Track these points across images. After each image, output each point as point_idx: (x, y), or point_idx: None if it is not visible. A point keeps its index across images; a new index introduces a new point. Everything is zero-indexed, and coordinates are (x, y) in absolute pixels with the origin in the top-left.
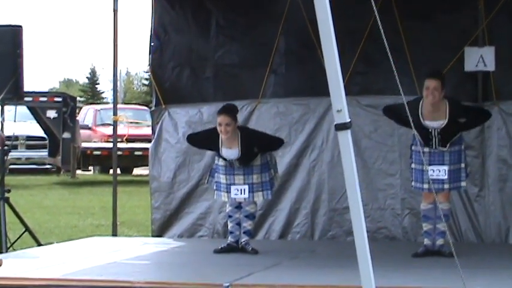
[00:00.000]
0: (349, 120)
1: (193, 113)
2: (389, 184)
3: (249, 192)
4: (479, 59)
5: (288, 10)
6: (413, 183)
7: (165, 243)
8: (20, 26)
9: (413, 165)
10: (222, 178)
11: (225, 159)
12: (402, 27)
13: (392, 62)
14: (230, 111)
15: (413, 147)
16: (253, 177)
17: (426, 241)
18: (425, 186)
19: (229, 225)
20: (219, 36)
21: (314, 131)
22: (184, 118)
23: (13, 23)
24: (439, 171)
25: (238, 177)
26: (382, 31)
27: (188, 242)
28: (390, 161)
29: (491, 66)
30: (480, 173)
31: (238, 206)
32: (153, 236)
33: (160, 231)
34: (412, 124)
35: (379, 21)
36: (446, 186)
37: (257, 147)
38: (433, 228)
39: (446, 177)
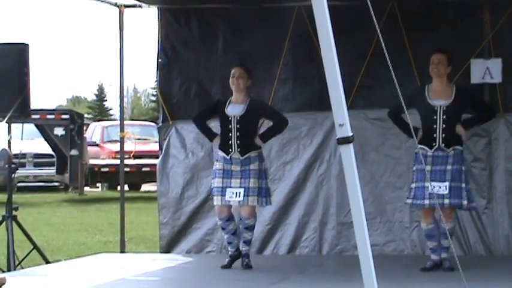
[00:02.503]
0: (351, 134)
1: None
2: (398, 197)
3: (244, 195)
4: (486, 71)
5: (293, 25)
6: (412, 201)
7: (173, 259)
8: (27, 44)
9: (413, 185)
10: (218, 182)
11: (223, 157)
12: (408, 40)
13: (394, 76)
14: (245, 66)
15: (414, 168)
16: (250, 181)
17: (433, 256)
18: (426, 202)
19: (225, 237)
20: (226, 52)
21: (322, 145)
22: (192, 134)
23: (20, 41)
24: (440, 187)
25: (235, 180)
26: (383, 46)
27: (196, 258)
28: (398, 174)
29: (497, 78)
30: (488, 185)
31: (229, 219)
32: (161, 252)
33: (168, 247)
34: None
35: (381, 37)
36: (446, 201)
37: (262, 113)
38: (438, 244)
39: (447, 192)
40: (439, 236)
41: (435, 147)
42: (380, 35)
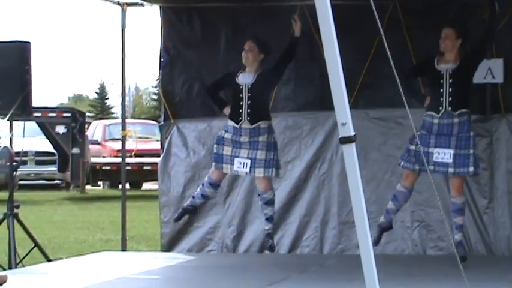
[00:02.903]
0: (353, 133)
1: (203, 127)
2: None
3: (250, 167)
4: (488, 71)
5: None
6: (402, 163)
7: (174, 258)
8: (28, 42)
9: (412, 147)
10: (227, 150)
11: (232, 127)
12: (410, 39)
13: (396, 76)
14: (257, 39)
15: (418, 132)
16: (257, 152)
17: (381, 219)
18: (416, 167)
19: (198, 191)
20: (228, 51)
21: (323, 145)
22: (194, 133)
23: (22, 39)
24: (444, 154)
25: (244, 150)
26: (386, 45)
27: (197, 257)
28: (399, 173)
29: (499, 78)
30: (489, 186)
31: (218, 185)
32: (162, 250)
33: (169, 246)
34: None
35: (383, 37)
36: (451, 170)
37: (271, 67)
38: (395, 209)
39: (451, 160)
40: (403, 204)
41: (442, 111)
42: (383, 34)
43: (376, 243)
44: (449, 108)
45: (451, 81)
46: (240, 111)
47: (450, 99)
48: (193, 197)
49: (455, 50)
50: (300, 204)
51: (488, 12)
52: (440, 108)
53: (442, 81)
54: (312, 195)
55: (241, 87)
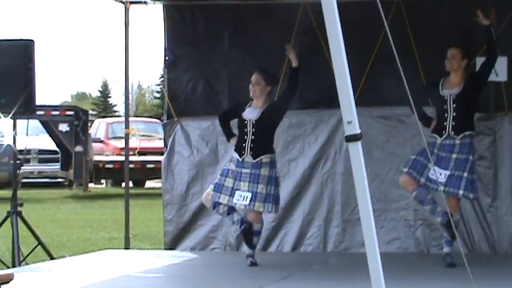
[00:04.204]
0: (359, 131)
1: (206, 125)
2: (402, 195)
3: (250, 200)
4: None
5: (299, 22)
6: (409, 170)
7: (177, 256)
8: (32, 40)
9: (412, 157)
10: (228, 182)
11: (236, 159)
12: (414, 38)
13: (402, 74)
14: (264, 72)
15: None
16: (258, 186)
17: (439, 220)
18: (422, 180)
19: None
20: (232, 49)
21: (327, 143)
22: (197, 131)
23: (25, 37)
24: (440, 174)
25: (244, 183)
26: (392, 42)
27: (201, 255)
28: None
29: (503, 77)
30: (493, 184)
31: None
32: (165, 248)
33: (172, 244)
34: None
35: (389, 34)
36: (441, 187)
37: (277, 107)
38: (435, 205)
39: (444, 180)
40: (428, 197)
41: (445, 135)
42: (388, 32)
43: (454, 237)
44: (452, 133)
45: (454, 106)
46: (244, 145)
47: (453, 123)
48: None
49: (461, 71)
50: (304, 202)
51: (487, 44)
52: (444, 132)
53: (445, 106)
54: (315, 193)
55: (246, 122)
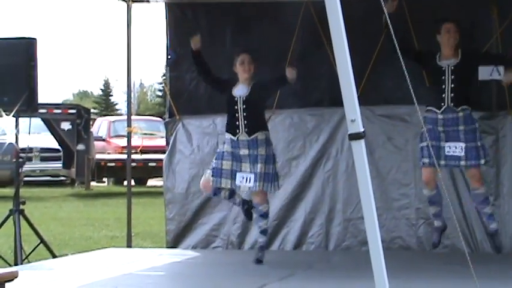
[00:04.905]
0: (363, 129)
1: (207, 124)
2: (404, 194)
3: (254, 181)
4: (494, 67)
5: (301, 21)
6: (429, 160)
7: (179, 255)
8: (34, 39)
9: (423, 144)
10: (226, 164)
11: (230, 139)
12: (416, 35)
13: (406, 72)
14: (248, 51)
15: (423, 129)
16: (259, 166)
17: (437, 223)
18: (442, 162)
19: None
20: (234, 48)
21: (328, 141)
22: (199, 129)
23: (27, 36)
24: (456, 148)
25: (245, 164)
26: (395, 41)
27: (202, 253)
28: (404, 170)
29: None
30: (495, 183)
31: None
32: (167, 247)
33: (174, 243)
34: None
35: (391, 29)
36: (462, 162)
37: (266, 82)
38: (441, 210)
39: (463, 153)
40: (442, 202)
41: (444, 107)
42: (391, 29)
43: (436, 246)
44: (452, 104)
45: (452, 77)
46: (237, 123)
47: (452, 95)
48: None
49: (456, 45)
50: (305, 201)
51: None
52: (442, 104)
53: (443, 77)
54: (317, 192)
55: (236, 99)
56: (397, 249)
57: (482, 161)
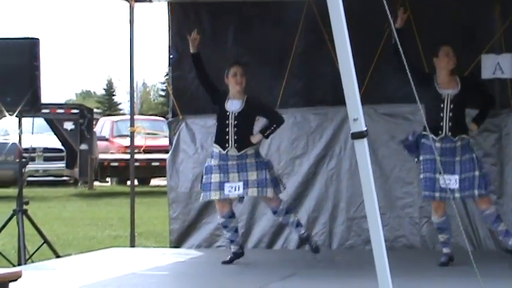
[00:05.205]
0: (365, 128)
1: (211, 123)
2: (407, 192)
3: (243, 188)
4: (496, 66)
5: (303, 20)
6: (423, 193)
7: (183, 254)
8: (37, 39)
9: (421, 175)
10: (214, 177)
11: (218, 153)
12: (418, 34)
13: (408, 70)
14: (241, 63)
15: (421, 157)
16: (248, 174)
17: (446, 250)
18: (437, 194)
19: (228, 235)
20: (236, 47)
21: (332, 140)
22: (202, 129)
23: (30, 36)
24: (450, 180)
25: (233, 175)
26: (397, 40)
27: (206, 253)
28: (407, 169)
29: (508, 74)
30: (498, 181)
31: (231, 216)
32: (171, 246)
33: (178, 242)
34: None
35: (394, 29)
36: (457, 195)
37: (259, 109)
38: (450, 237)
39: (457, 186)
40: (450, 229)
41: (441, 136)
42: (393, 28)
43: (443, 265)
44: (449, 134)
45: (451, 106)
46: (227, 137)
47: (450, 124)
48: (232, 241)
49: (452, 70)
50: (308, 200)
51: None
52: (440, 132)
53: (442, 105)
54: (320, 191)
55: (228, 114)
56: (400, 248)
57: (476, 192)
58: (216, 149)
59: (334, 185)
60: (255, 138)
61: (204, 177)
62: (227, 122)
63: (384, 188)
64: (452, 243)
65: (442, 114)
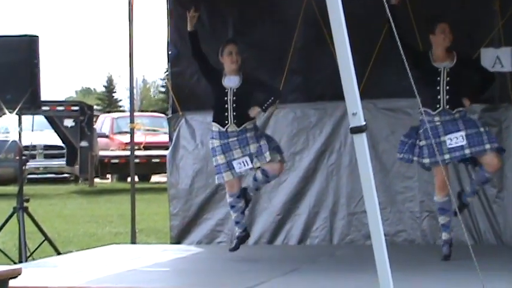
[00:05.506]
0: (364, 123)
1: (211, 119)
2: (408, 187)
3: (251, 161)
4: (496, 59)
5: (303, 14)
6: (430, 160)
7: (184, 250)
8: (37, 36)
9: (422, 143)
10: (220, 158)
11: (218, 132)
12: (417, 28)
13: (407, 65)
14: (235, 41)
15: (421, 130)
16: (250, 147)
17: (445, 235)
18: (447, 156)
19: (234, 215)
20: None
21: (332, 135)
22: (202, 125)
23: (30, 33)
24: (457, 138)
25: (236, 151)
26: (396, 36)
27: (207, 249)
28: (408, 163)
29: (508, 67)
30: (499, 175)
31: (240, 195)
32: (171, 243)
33: (179, 238)
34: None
35: (393, 25)
36: (467, 151)
37: (256, 83)
38: (450, 220)
39: (465, 142)
40: (451, 212)
41: (439, 109)
42: (392, 23)
43: (448, 258)
44: (447, 107)
45: (448, 79)
46: (226, 114)
47: (448, 97)
48: (237, 222)
49: (449, 45)
50: (309, 195)
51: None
52: (438, 105)
53: (438, 78)
54: (320, 186)
55: (226, 90)
56: (401, 243)
57: (487, 146)
58: (216, 127)
59: (334, 180)
60: (253, 112)
61: (213, 159)
62: (226, 98)
63: (384, 182)
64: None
65: (438, 88)
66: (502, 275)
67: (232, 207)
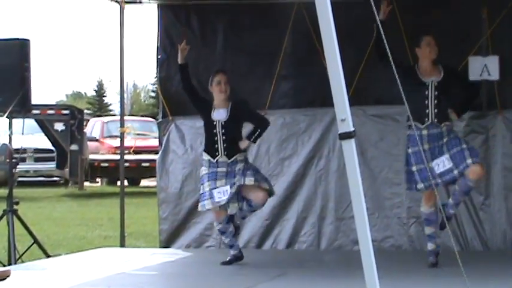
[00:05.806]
0: (353, 129)
1: (200, 124)
2: (395, 193)
3: (231, 189)
4: (483, 68)
5: (293, 22)
6: (424, 184)
7: (172, 254)
8: (28, 40)
9: (413, 168)
10: (206, 186)
11: (208, 161)
12: (406, 37)
13: (395, 72)
14: (224, 71)
15: (409, 150)
16: (235, 178)
17: (430, 246)
18: (439, 180)
19: (226, 240)
20: (225, 49)
21: (320, 141)
22: (192, 130)
23: (21, 36)
24: (444, 162)
25: (220, 180)
26: (385, 42)
27: (195, 253)
28: (396, 170)
29: (495, 76)
30: (485, 182)
31: (228, 221)
32: (161, 246)
33: (168, 242)
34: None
35: (382, 33)
36: (455, 172)
37: (245, 115)
38: (436, 231)
39: (451, 164)
40: (437, 223)
41: (427, 123)
42: (381, 30)
43: (435, 265)
44: (435, 120)
45: (436, 93)
46: (216, 146)
47: (436, 111)
48: (231, 246)
49: (435, 58)
50: (298, 200)
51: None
52: (426, 119)
53: (426, 92)
54: (309, 191)
55: (215, 123)
56: (388, 248)
57: (469, 161)
58: (206, 157)
59: (322, 186)
60: (243, 144)
61: (201, 187)
62: (215, 131)
63: (372, 188)
64: (439, 244)
65: (426, 102)
66: (488, 281)
67: (222, 233)
